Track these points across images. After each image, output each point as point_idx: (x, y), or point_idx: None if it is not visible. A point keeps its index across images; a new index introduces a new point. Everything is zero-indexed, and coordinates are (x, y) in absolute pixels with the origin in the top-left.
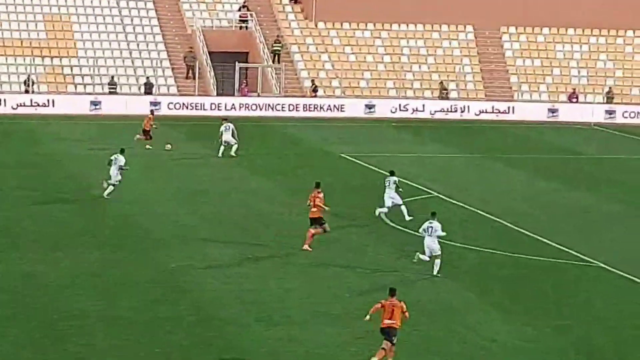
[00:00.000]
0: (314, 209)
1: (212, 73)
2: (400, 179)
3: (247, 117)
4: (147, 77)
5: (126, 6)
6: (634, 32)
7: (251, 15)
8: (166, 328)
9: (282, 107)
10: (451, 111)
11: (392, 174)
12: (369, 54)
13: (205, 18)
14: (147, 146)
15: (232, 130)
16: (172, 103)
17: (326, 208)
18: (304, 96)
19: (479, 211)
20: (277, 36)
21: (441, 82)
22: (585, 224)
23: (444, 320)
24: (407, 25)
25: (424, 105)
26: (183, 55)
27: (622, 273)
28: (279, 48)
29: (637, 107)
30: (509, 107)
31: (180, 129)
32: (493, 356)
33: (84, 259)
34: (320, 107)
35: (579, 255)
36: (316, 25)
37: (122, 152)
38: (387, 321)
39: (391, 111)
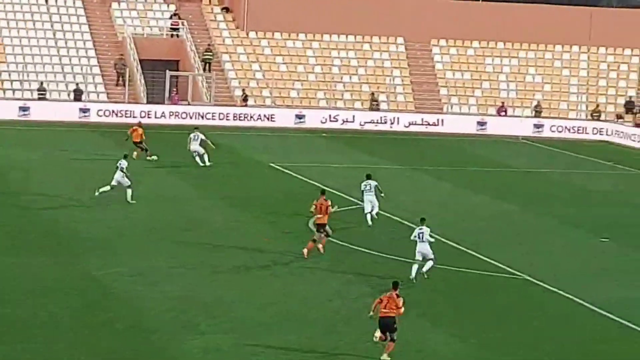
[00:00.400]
0: (320, 215)
1: (143, 80)
2: (329, 190)
3: (177, 125)
4: (77, 84)
5: (56, 12)
6: (562, 47)
7: (182, 23)
8: (92, 335)
9: (213, 116)
10: (381, 122)
11: (368, 177)
12: (300, 64)
13: (136, 25)
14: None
15: (201, 139)
16: (101, 110)
17: (334, 209)
18: (234, 105)
19: (406, 222)
20: (208, 45)
21: (372, 94)
22: (512, 236)
23: (372, 330)
24: (338, 36)
25: (354, 116)
26: (113, 62)
27: (547, 286)
28: (209, 57)
29: (565, 122)
30: (438, 120)
31: (110, 135)
32: None
33: (8, 263)
34: (251, 117)
35: (505, 267)
36: (247, 35)
37: (125, 157)
38: (383, 310)
39: (321, 121)
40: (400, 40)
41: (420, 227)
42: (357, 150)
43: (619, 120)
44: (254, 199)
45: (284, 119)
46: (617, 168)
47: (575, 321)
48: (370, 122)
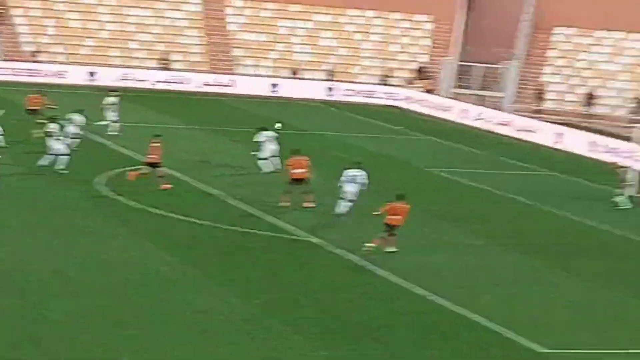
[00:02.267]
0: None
1: None
2: (117, 148)
3: None
4: None
5: None
6: (356, 12)
7: None
8: None
9: (3, 72)
10: (175, 82)
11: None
12: (93, 21)
13: None
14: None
15: None
16: None
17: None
18: (25, 61)
19: (195, 183)
20: None
21: (166, 53)
22: (300, 200)
23: (157, 292)
24: None
25: (147, 75)
26: None
27: (334, 249)
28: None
29: (358, 86)
30: (231, 80)
31: None
32: (206, 330)
33: None
34: (43, 73)
35: (294, 230)
36: None
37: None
38: (391, 217)
39: (114, 80)
40: (196, 0)
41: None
42: (147, 108)
43: (410, 85)
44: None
45: (76, 76)
46: (407, 132)
47: (350, 278)
48: (163, 82)
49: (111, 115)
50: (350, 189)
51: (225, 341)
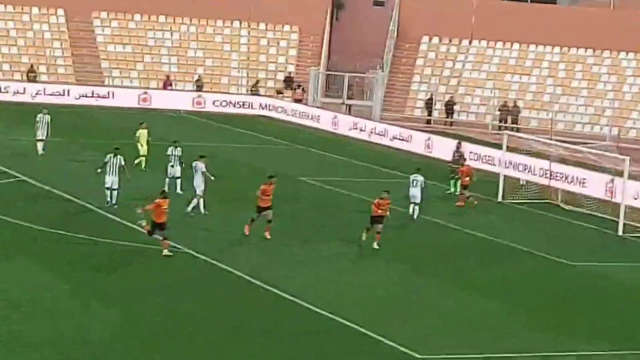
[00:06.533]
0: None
1: None
2: None
3: None
4: None
5: None
6: (223, 22)
7: None
8: None
9: None
10: (42, 94)
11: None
12: None
13: None
14: None
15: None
16: None
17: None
18: None
19: (60, 193)
20: None
21: (31, 65)
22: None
23: (30, 310)
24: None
25: (7, 88)
26: None
27: (207, 259)
28: None
29: (226, 96)
30: (99, 92)
31: None
32: (93, 348)
33: None
34: None
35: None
36: None
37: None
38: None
39: None
40: (60, 12)
41: (415, 174)
42: (12, 123)
43: (279, 95)
44: None
45: None
46: (276, 142)
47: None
48: (22, 94)
49: None
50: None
51: None
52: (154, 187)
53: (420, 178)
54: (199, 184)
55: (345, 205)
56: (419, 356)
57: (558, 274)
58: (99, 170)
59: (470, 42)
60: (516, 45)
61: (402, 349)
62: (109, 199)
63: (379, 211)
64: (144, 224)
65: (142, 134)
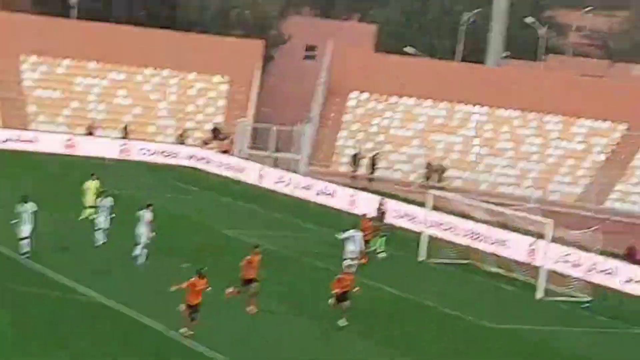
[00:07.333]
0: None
1: None
2: None
3: None
4: None
5: None
6: (153, 70)
7: None
8: None
9: None
10: None
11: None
12: None
13: None
14: None
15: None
16: None
17: None
18: None
19: None
20: None
21: None
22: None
23: None
24: None
25: None
26: None
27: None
28: None
29: (152, 145)
30: (26, 136)
31: None
32: None
33: None
34: None
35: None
36: None
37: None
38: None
39: None
40: None
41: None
42: None
43: (205, 145)
44: None
45: None
46: (203, 193)
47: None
48: None
49: None
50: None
51: None
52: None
53: (359, 235)
54: (141, 233)
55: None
56: None
57: (473, 334)
58: (13, 222)
59: (399, 99)
60: (444, 104)
61: None
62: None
63: (342, 288)
64: (183, 308)
65: (92, 185)
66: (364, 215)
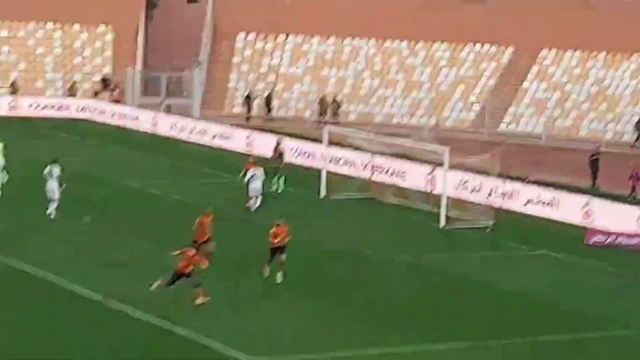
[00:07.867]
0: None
1: None
2: None
3: None
4: None
5: None
6: (36, 24)
7: None
8: None
9: None
10: None
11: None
12: None
13: None
14: None
15: None
16: None
17: None
18: None
19: None
20: None
21: None
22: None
23: None
24: None
25: None
26: None
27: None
28: None
29: (41, 99)
30: None
31: None
32: None
33: None
34: None
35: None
36: None
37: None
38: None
39: None
40: None
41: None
42: None
43: (96, 97)
44: None
45: None
46: (98, 145)
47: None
48: None
49: None
50: None
51: None
52: None
53: (260, 171)
54: (54, 188)
55: (164, 208)
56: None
57: (379, 269)
58: None
59: (286, 38)
60: (332, 39)
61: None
62: None
63: (277, 241)
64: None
65: None
66: (249, 157)
